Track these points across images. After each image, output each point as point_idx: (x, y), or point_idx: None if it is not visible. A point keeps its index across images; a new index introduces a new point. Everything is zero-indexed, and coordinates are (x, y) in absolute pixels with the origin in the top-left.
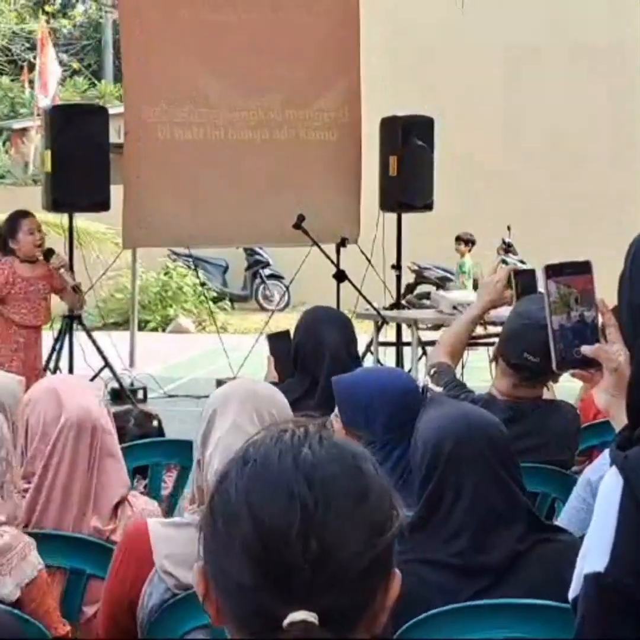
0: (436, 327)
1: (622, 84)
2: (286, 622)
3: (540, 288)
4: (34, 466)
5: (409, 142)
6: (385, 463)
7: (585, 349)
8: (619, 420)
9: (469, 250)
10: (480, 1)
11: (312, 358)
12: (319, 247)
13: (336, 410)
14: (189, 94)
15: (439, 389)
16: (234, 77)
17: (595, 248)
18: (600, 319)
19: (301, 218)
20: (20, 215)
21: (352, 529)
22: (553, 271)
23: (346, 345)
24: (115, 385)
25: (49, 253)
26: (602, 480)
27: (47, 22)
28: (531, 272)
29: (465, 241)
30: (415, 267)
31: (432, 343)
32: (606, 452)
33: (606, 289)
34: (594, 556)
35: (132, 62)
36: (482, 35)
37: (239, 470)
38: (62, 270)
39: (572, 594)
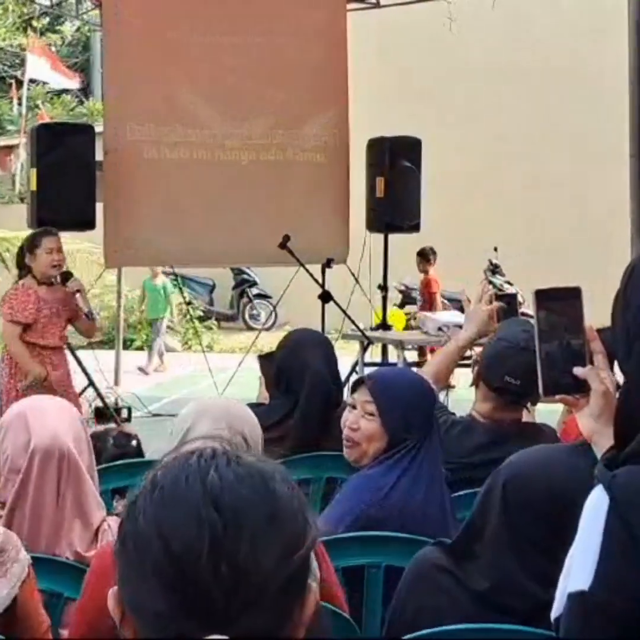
0: (421, 348)
1: (608, 103)
2: None
3: (527, 310)
4: (5, 494)
5: (396, 164)
6: (418, 455)
7: (578, 370)
8: (601, 445)
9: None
10: (469, 22)
11: (296, 379)
12: (304, 267)
13: (366, 408)
14: (176, 114)
15: None
16: (222, 98)
17: (584, 267)
18: (588, 346)
19: (286, 238)
20: (42, 233)
21: (263, 550)
22: (543, 297)
23: (328, 365)
24: (100, 404)
25: (66, 276)
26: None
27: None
28: (512, 296)
29: None
30: (402, 288)
31: (417, 364)
32: None
33: (595, 305)
34: (577, 575)
35: (115, 81)
36: (469, 54)
37: (148, 496)
38: (78, 294)
39: (554, 613)
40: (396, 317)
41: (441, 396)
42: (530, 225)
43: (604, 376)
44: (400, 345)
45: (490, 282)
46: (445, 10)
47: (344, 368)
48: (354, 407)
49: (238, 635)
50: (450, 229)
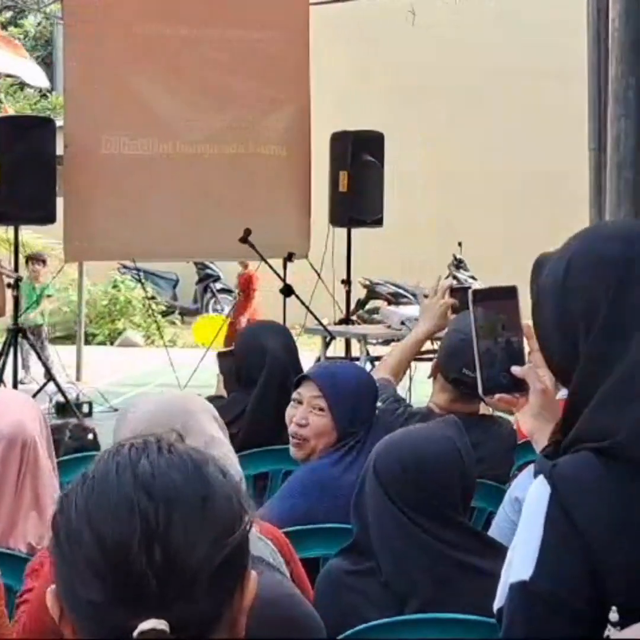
0: (385, 342)
1: (572, 107)
2: (136, 632)
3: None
4: None
5: (359, 158)
6: (364, 449)
7: (516, 370)
8: (542, 443)
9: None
10: (432, 18)
11: (256, 368)
12: (266, 261)
13: (315, 403)
14: (137, 108)
15: (378, 404)
16: (183, 91)
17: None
18: (526, 344)
19: (248, 232)
20: None
21: (196, 534)
22: (480, 296)
23: (288, 353)
24: (61, 399)
25: None
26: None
27: None
28: (465, 290)
29: (37, 260)
30: (367, 283)
31: (380, 358)
32: (530, 467)
33: None
34: (519, 565)
35: (76, 74)
36: (433, 50)
37: (79, 489)
38: None
39: (497, 604)
40: (205, 326)
41: (403, 389)
42: (494, 221)
43: (542, 374)
44: (363, 339)
45: (455, 277)
46: (409, 5)
47: (307, 363)
48: (300, 402)
49: (173, 621)
50: (414, 224)
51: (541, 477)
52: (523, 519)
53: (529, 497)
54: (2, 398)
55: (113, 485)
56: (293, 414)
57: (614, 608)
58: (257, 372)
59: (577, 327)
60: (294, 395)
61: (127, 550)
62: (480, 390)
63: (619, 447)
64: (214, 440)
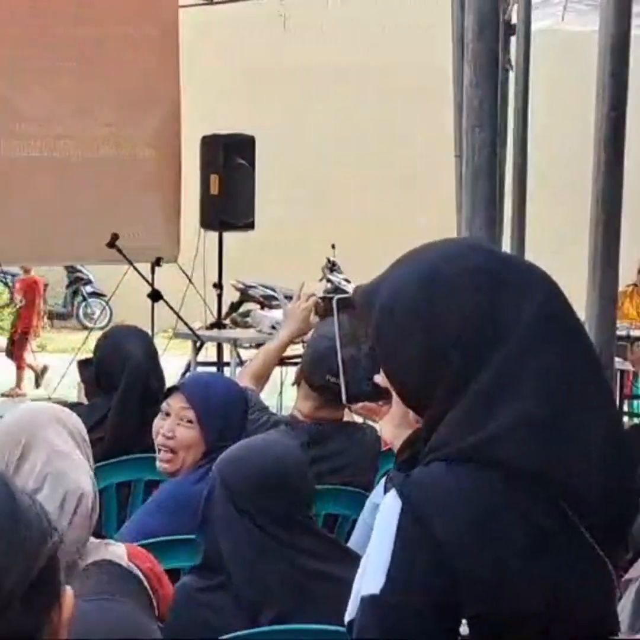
0: (257, 346)
1: (437, 100)
2: None
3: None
4: None
5: (230, 161)
6: None
7: (379, 378)
8: None
9: None
10: (303, 22)
11: (116, 373)
12: (134, 266)
13: (183, 414)
14: (6, 108)
15: None
16: (51, 92)
17: None
18: None
19: (115, 237)
20: None
21: (11, 554)
22: (343, 303)
23: (148, 358)
24: None
25: None
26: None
27: None
28: (331, 299)
29: None
30: (240, 285)
31: None
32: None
33: None
34: (370, 578)
35: None
36: (306, 54)
37: None
38: None
39: (348, 616)
40: None
41: (274, 394)
42: (368, 224)
43: None
44: (234, 344)
45: (328, 280)
46: (281, 9)
47: (178, 367)
48: (168, 414)
49: None
50: (287, 227)
51: (393, 490)
52: (375, 532)
53: (381, 510)
54: None
55: None
56: (161, 425)
57: (464, 621)
58: (117, 377)
59: (447, 337)
60: (163, 406)
61: None
62: (343, 398)
63: (479, 448)
64: (59, 452)
